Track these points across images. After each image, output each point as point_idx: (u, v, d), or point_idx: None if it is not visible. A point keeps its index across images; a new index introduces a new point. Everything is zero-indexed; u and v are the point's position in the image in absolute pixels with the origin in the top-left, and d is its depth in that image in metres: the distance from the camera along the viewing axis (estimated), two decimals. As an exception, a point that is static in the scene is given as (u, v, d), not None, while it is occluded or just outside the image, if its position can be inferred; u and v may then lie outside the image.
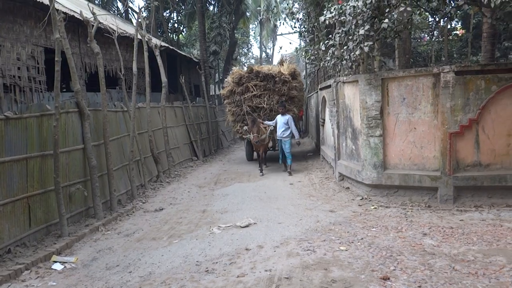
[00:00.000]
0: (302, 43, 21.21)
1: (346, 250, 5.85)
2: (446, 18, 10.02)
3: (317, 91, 16.17)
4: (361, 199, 8.77)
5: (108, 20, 12.26)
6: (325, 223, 7.25)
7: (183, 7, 30.02)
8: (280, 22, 23.11)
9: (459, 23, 20.30)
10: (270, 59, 52.10)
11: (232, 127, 15.86)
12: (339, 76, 10.60)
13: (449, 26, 18.60)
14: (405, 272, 5.00)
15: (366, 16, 8.10)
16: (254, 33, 52.54)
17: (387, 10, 7.85)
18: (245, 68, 14.69)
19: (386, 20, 7.70)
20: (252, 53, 54.19)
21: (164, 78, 13.37)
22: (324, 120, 14.11)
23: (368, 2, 7.87)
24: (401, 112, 8.36)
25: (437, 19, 10.60)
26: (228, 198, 9.80)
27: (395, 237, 6.29)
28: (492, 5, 6.53)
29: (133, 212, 9.08)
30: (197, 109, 18.87)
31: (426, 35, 20.53)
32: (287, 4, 21.05)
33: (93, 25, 8.98)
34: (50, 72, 8.69)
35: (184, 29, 32.76)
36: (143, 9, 26.75)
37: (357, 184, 9.38)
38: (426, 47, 19.56)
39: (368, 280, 4.82)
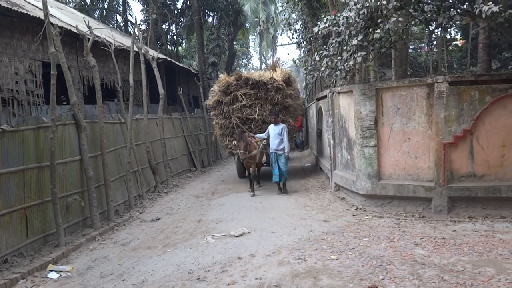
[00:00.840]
0: (302, 54, 21.37)
1: (336, 259, 5.91)
2: (440, 29, 10.16)
3: (315, 102, 16.26)
4: (355, 209, 8.82)
5: (106, 33, 12.43)
6: (318, 233, 7.31)
7: (181, 19, 30.30)
8: (278, 33, 23.25)
9: (459, 33, 20.47)
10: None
11: (220, 141, 14.14)
12: (335, 86, 10.72)
13: (448, 37, 18.79)
14: (394, 281, 5.05)
15: (360, 26, 8.21)
16: (253, 44, 52.87)
17: (379, 21, 7.96)
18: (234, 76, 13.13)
19: (379, 31, 7.80)
20: (252, 64, 54.48)
21: (161, 90, 13.51)
22: (321, 130, 14.22)
23: (361, 12, 7.99)
24: (396, 122, 8.44)
25: (431, 30, 10.72)
26: (224, 208, 9.87)
27: (387, 247, 6.34)
28: (483, 15, 6.62)
29: (130, 222, 9.15)
30: (195, 120, 18.98)
31: (425, 45, 20.72)
32: (284, 15, 21.25)
33: (89, 39, 9.12)
34: (48, 85, 8.82)
35: (183, 41, 33.02)
36: (141, 22, 27.06)
37: (352, 194, 9.45)
38: (425, 58, 19.72)
39: (357, 289, 4.88)
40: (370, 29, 8.17)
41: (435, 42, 16.65)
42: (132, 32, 13.88)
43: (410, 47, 18.91)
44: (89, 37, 9.22)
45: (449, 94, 7.79)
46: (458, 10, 7.88)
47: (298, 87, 15.31)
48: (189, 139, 17.41)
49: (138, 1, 27.83)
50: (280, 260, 6.02)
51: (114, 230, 8.51)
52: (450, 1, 7.82)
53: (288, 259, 6.03)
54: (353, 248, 6.36)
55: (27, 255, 6.75)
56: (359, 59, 8.11)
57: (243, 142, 11.02)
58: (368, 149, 8.66)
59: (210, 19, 30.25)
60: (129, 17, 31.19)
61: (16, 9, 9.68)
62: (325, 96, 11.98)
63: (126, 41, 16.65)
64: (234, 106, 12.73)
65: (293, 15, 19.64)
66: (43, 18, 8.19)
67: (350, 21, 8.21)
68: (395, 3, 7.34)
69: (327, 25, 8.80)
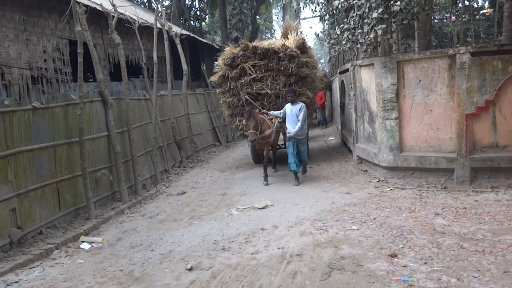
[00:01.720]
0: (325, 27, 21.13)
1: (357, 229, 6.05)
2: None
3: (338, 75, 16.17)
4: (377, 181, 8.90)
5: (130, 11, 12.58)
6: (340, 205, 7.44)
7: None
8: (301, 6, 22.91)
9: (486, 2, 19.87)
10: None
11: (230, 122, 12.73)
12: (356, 59, 10.67)
13: (475, 6, 18.25)
14: (413, 249, 5.17)
15: (380, -1, 8.15)
16: (277, 18, 52.25)
17: (400, -8, 7.87)
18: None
19: (398, 3, 7.73)
20: (275, 38, 53.98)
21: (185, 66, 13.66)
22: (343, 104, 14.20)
23: (381, -15, 7.92)
24: (417, 95, 8.41)
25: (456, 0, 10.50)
26: (247, 182, 10.08)
27: (407, 217, 6.43)
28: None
29: (157, 195, 9.47)
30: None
31: (452, 16, 20.17)
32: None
33: (113, 17, 9.29)
34: (75, 63, 9.08)
35: (206, 16, 32.96)
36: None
37: (374, 166, 9.51)
38: (451, 28, 19.25)
39: (376, 257, 5.01)
40: (391, 1, 8.08)
41: (460, 12, 16.23)
42: (155, 9, 13.97)
43: (436, 17, 18.47)
44: (113, 15, 9.40)
45: (471, 65, 7.71)
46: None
47: (315, 55, 13.46)
48: (213, 114, 17.61)
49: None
50: (302, 230, 6.20)
51: (141, 203, 8.83)
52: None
53: (310, 229, 6.20)
54: (374, 218, 6.48)
55: (60, 227, 7.12)
56: (379, 32, 8.08)
57: (253, 120, 9.27)
58: (390, 121, 8.67)
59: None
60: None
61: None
62: (347, 70, 11.92)
63: (149, 18, 16.79)
64: (243, 81, 11.14)
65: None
66: (69, -3, 8.40)
67: (371, -7, 8.14)
68: (416, -27, 7.24)
69: (347, -2, 8.74)
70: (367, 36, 8.52)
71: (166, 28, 12.58)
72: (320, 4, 17.92)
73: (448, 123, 8.14)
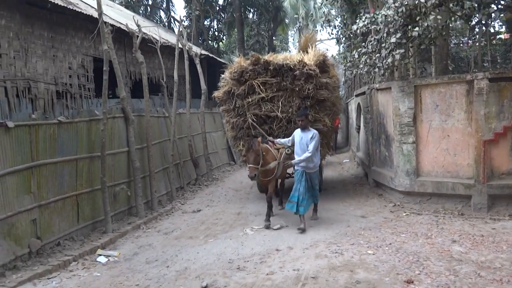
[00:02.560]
0: (341, 49, 21.32)
1: (373, 254, 6.04)
2: (481, 24, 10.00)
3: (353, 98, 16.25)
4: (393, 206, 8.88)
5: (152, 31, 12.89)
6: (355, 228, 7.44)
7: (223, 15, 30.69)
8: (318, 29, 23.17)
9: (503, 27, 19.86)
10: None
11: (233, 146, 11.55)
12: (373, 83, 10.75)
13: (492, 30, 18.25)
14: (430, 276, 5.15)
15: (398, 24, 8.25)
16: (293, 39, 52.73)
17: (418, 18, 7.96)
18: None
19: (417, 28, 7.83)
20: (290, 51, 54.42)
21: (203, 86, 13.89)
22: (359, 126, 14.24)
23: (399, 10, 8.03)
24: (434, 119, 8.44)
25: (472, 26, 10.57)
26: (262, 202, 10.06)
27: (424, 243, 6.41)
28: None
29: (172, 212, 9.56)
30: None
31: (469, 40, 20.18)
32: (323, 12, 21.23)
33: (137, 36, 9.56)
34: (98, 79, 9.32)
35: (224, 37, 33.44)
36: (184, 18, 27.60)
37: (390, 190, 9.49)
38: (468, 53, 19.24)
39: (392, 283, 5.01)
40: (409, 27, 8.19)
41: (477, 37, 16.27)
42: (176, 29, 14.29)
43: (452, 41, 18.51)
44: (138, 34, 9.66)
45: (489, 90, 7.73)
46: (499, 5, 7.79)
47: (338, 75, 11.77)
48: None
49: (181, -3, 28.38)
50: (317, 253, 6.21)
51: (157, 219, 8.92)
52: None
53: (325, 252, 6.22)
54: (390, 243, 6.47)
55: (78, 239, 7.25)
56: (397, 57, 8.17)
57: (252, 152, 7.67)
58: (407, 145, 8.69)
59: (250, 15, 30.55)
60: (173, 14, 31.96)
61: (71, 7, 10.22)
62: (363, 93, 12.00)
63: (170, 38, 17.14)
64: (250, 100, 9.55)
65: (332, 11, 19.62)
66: (95, 16, 8.69)
67: (389, 19, 8.26)
68: (433, 0, 7.34)
69: (365, 23, 8.88)
70: (384, 60, 8.60)
71: (186, 48, 12.85)
72: (337, 27, 18.17)
73: (465, 148, 8.13)
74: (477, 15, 7.73)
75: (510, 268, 5.30)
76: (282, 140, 8.54)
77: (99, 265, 6.33)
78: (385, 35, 8.58)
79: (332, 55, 19.31)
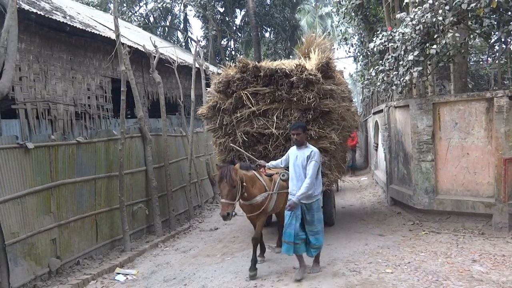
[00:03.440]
0: (358, 67, 21.36)
1: (391, 272, 5.95)
2: (501, 42, 9.93)
3: (371, 116, 16.20)
4: (412, 224, 8.75)
5: (169, 51, 13.12)
6: (373, 246, 7.35)
7: (240, 35, 31.10)
8: (335, 47, 23.25)
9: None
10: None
11: None
12: (391, 100, 10.71)
13: (512, 48, 18.10)
14: (450, 296, 5.05)
15: (416, 41, 8.24)
16: (310, 58, 52.96)
17: (436, 36, 7.95)
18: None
19: (435, 46, 7.81)
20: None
21: (220, 104, 13.99)
22: (377, 144, 14.15)
23: (417, 28, 8.02)
24: (453, 137, 8.34)
25: (491, 43, 10.51)
26: (279, 220, 10.07)
27: (443, 263, 6.29)
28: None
29: (190, 230, 9.58)
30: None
31: (488, 58, 20.02)
32: (340, 31, 21.35)
33: (155, 57, 9.75)
34: (116, 100, 9.50)
35: (241, 56, 33.84)
36: (201, 38, 28.03)
37: (409, 209, 9.37)
38: (488, 70, 19.07)
39: (412, 302, 4.92)
40: (427, 44, 8.17)
41: (497, 54, 16.13)
42: (193, 49, 14.50)
43: (472, 59, 18.39)
44: (155, 55, 9.86)
45: (510, 108, 7.61)
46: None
47: (347, 83, 10.34)
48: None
49: (198, 18, 28.90)
50: (334, 271, 6.14)
51: (175, 237, 8.95)
52: (510, 14, 7.69)
53: (343, 270, 6.15)
54: (409, 262, 6.37)
55: (97, 258, 7.32)
56: (415, 74, 8.14)
57: (227, 184, 5.72)
58: (425, 163, 8.59)
59: (267, 34, 30.90)
60: (189, 34, 32.49)
61: (89, 30, 10.51)
62: (381, 110, 11.96)
63: (187, 58, 17.40)
64: (239, 115, 8.00)
65: (350, 29, 19.71)
66: (113, 38, 8.90)
67: (406, 37, 8.26)
68: (451, 18, 7.34)
69: (382, 41, 8.90)
70: (402, 78, 8.58)
71: (203, 67, 13.03)
72: (354, 45, 18.23)
73: (486, 167, 8.00)
74: (497, 32, 7.69)
75: (534, 289, 5.17)
76: (274, 163, 6.71)
77: (118, 284, 6.37)
78: (402, 52, 8.56)
79: (350, 73, 19.28)
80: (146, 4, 31.47)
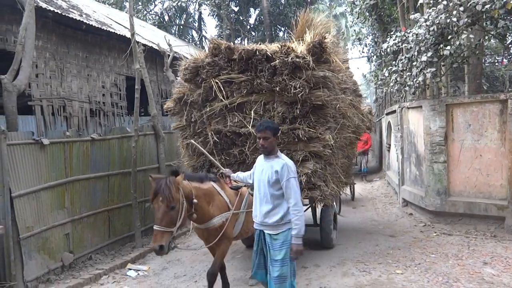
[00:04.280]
0: (372, 67, 21.28)
1: (401, 273, 5.96)
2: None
3: (384, 116, 16.12)
4: (423, 226, 8.71)
5: (183, 49, 13.20)
6: (384, 247, 7.34)
7: (254, 34, 31.14)
8: (349, 47, 23.21)
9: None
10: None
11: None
12: (404, 101, 10.66)
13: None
14: (460, 298, 5.04)
15: (429, 42, 8.21)
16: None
17: (450, 37, 7.91)
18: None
19: (448, 47, 7.77)
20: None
21: (233, 103, 14.04)
22: (389, 145, 14.09)
23: (431, 29, 7.99)
24: (466, 139, 8.29)
25: (506, 44, 10.41)
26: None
27: (454, 264, 6.27)
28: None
29: (201, 228, 9.63)
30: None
31: (504, 59, 19.79)
32: (354, 31, 21.29)
33: (169, 55, 9.84)
34: (130, 97, 9.61)
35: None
36: (215, 37, 28.12)
37: (420, 210, 9.33)
38: (503, 72, 18.86)
39: (421, 303, 4.92)
40: (441, 45, 8.13)
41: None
42: (207, 48, 14.55)
43: (487, 60, 18.21)
44: (169, 53, 9.95)
45: (524, 110, 7.56)
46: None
47: (352, 73, 9.08)
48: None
49: (213, 17, 29.03)
50: (344, 271, 6.16)
51: (186, 235, 9.01)
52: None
53: (353, 271, 6.17)
54: (419, 263, 6.36)
55: (108, 253, 7.43)
56: (428, 75, 8.11)
57: (162, 203, 4.21)
58: (438, 165, 8.55)
59: (281, 34, 30.85)
60: (204, 33, 32.63)
61: (105, 28, 10.64)
62: (394, 111, 11.91)
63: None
64: (209, 109, 6.54)
65: (363, 30, 19.65)
66: (128, 36, 9.00)
67: (420, 38, 8.23)
68: (466, 19, 7.29)
69: (396, 41, 8.87)
70: (415, 79, 8.55)
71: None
72: (368, 46, 18.16)
73: (499, 169, 7.94)
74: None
75: (546, 293, 5.14)
76: (242, 175, 5.01)
77: (129, 279, 6.46)
78: (416, 53, 8.53)
79: (363, 74, 19.20)
80: (162, 2, 31.67)
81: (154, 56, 12.93)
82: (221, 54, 6.46)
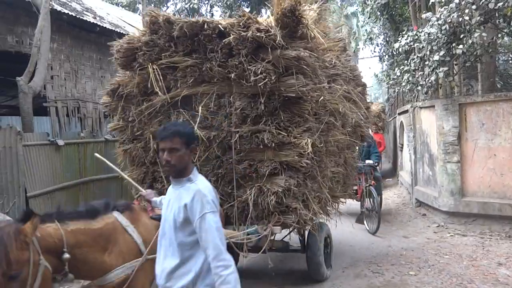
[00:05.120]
0: (384, 67, 21.17)
1: (415, 275, 5.92)
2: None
3: (396, 116, 16.02)
4: (437, 226, 8.65)
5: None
6: (397, 248, 7.30)
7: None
8: (360, 47, 23.13)
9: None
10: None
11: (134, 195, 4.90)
12: (416, 101, 10.60)
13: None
14: (474, 299, 5.00)
15: (441, 41, 8.15)
16: (336, 57, 52.67)
17: (462, 36, 7.85)
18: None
19: (461, 46, 7.71)
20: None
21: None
22: (402, 145, 14.01)
23: (443, 28, 7.94)
24: (480, 138, 8.21)
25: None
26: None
27: (468, 266, 6.21)
28: None
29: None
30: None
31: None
32: (366, 30, 21.21)
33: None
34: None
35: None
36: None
37: (434, 210, 9.26)
38: (518, 69, 18.65)
39: (434, 304, 4.90)
40: (453, 44, 8.07)
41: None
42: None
43: (501, 58, 18.01)
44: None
45: (539, 109, 7.48)
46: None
47: (349, 55, 7.61)
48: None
49: (224, 18, 29.13)
50: (357, 273, 6.14)
51: None
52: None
53: (365, 272, 6.13)
54: (433, 265, 6.31)
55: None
56: (441, 75, 8.06)
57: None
58: (451, 165, 8.48)
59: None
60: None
61: (119, 30, 10.74)
62: (406, 111, 11.83)
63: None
64: (147, 105, 4.94)
65: (375, 29, 19.57)
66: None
67: (432, 37, 8.18)
68: (478, 17, 7.24)
69: (408, 41, 8.83)
70: (428, 78, 8.50)
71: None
72: (380, 45, 18.08)
73: (513, 169, 7.87)
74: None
75: (561, 294, 5.08)
76: (157, 200, 3.55)
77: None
78: (428, 52, 8.48)
79: (375, 73, 19.15)
80: (174, 4, 31.86)
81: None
82: (161, 30, 4.82)
